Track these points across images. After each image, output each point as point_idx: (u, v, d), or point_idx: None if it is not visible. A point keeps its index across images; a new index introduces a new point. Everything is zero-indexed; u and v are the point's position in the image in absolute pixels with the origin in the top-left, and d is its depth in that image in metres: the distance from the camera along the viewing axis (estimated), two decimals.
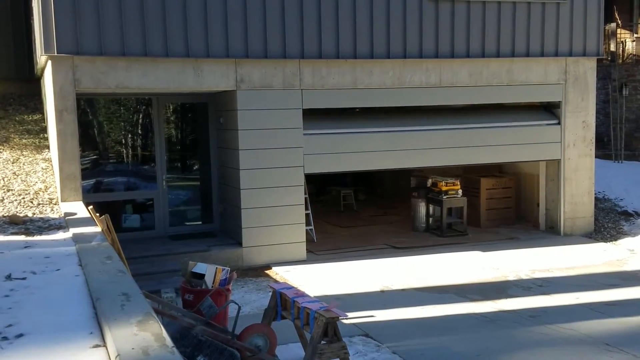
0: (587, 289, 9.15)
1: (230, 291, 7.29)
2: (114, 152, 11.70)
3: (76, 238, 6.59)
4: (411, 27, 10.99)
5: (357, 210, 15.39)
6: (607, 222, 12.75)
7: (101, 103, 11.51)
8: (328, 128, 11.00)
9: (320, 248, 11.46)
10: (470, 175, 13.34)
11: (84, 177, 10.05)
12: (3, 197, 8.82)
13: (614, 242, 11.94)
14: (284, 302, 6.63)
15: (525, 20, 11.67)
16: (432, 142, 11.50)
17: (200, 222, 11.92)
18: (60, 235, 7.04)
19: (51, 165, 10.41)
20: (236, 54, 10.14)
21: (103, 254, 5.67)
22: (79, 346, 3.43)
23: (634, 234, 12.10)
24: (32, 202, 8.74)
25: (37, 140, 11.71)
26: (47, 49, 9.15)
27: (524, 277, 9.80)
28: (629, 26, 18.76)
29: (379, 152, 11.17)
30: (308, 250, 10.96)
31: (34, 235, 7.09)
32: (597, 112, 14.29)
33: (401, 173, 13.51)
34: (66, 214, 8.11)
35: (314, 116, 10.89)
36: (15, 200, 8.74)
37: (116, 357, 3.02)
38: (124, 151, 11.71)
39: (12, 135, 11.77)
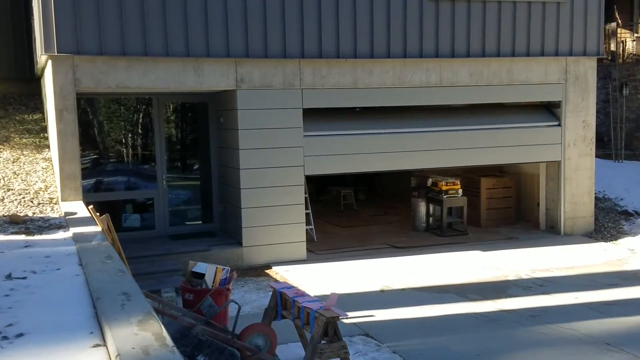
0: (587, 289, 9.15)
1: (231, 291, 7.29)
2: (114, 151, 11.70)
3: (76, 237, 6.60)
4: (411, 27, 10.99)
5: (357, 209, 15.39)
6: (608, 222, 12.76)
7: (101, 103, 11.51)
8: (328, 129, 11.00)
9: (321, 248, 11.46)
10: (470, 175, 13.34)
11: (84, 177, 10.05)
12: (3, 197, 8.83)
13: (614, 241, 11.94)
14: (284, 302, 6.63)
15: (526, 20, 11.67)
16: (433, 144, 11.50)
17: (200, 222, 11.92)
18: (60, 235, 7.05)
19: (51, 164, 10.41)
20: (236, 53, 10.13)
21: (103, 253, 5.67)
22: (79, 346, 3.43)
23: (634, 234, 12.10)
24: (32, 202, 8.75)
25: (37, 139, 11.72)
26: (47, 48, 9.15)
27: (524, 276, 9.80)
28: (629, 26, 18.76)
29: (379, 153, 11.17)
30: (308, 250, 10.96)
31: (34, 235, 7.09)
32: (598, 111, 14.28)
33: (401, 173, 13.51)
34: (66, 214, 8.12)
35: (314, 116, 10.89)
36: (16, 199, 8.74)
37: (116, 356, 3.02)
38: (124, 151, 11.71)
39: (13, 135, 11.77)
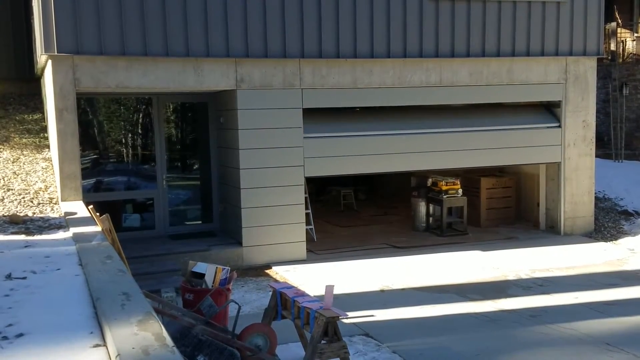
0: (587, 289, 9.15)
1: (231, 291, 7.29)
2: (114, 151, 11.70)
3: (76, 237, 6.60)
4: (411, 27, 10.99)
5: (357, 209, 15.39)
6: (607, 222, 12.76)
7: (101, 102, 11.51)
8: (328, 129, 10.99)
9: (321, 247, 11.46)
10: (470, 175, 13.34)
11: (84, 177, 10.05)
12: (3, 197, 8.82)
13: (614, 241, 11.94)
14: (284, 302, 6.63)
15: (526, 20, 11.67)
16: (433, 145, 11.50)
17: (200, 222, 11.92)
18: (60, 235, 7.05)
19: (51, 164, 10.41)
20: (236, 53, 10.13)
21: (103, 253, 5.67)
22: (79, 346, 3.43)
23: (634, 234, 12.10)
24: (32, 202, 8.74)
25: (37, 139, 11.72)
26: (47, 48, 9.15)
27: (524, 276, 9.80)
28: (629, 25, 18.76)
29: (379, 155, 11.17)
30: (308, 250, 10.96)
31: (34, 235, 7.09)
32: (598, 111, 14.28)
33: (401, 173, 13.51)
34: (66, 214, 8.12)
35: (314, 116, 10.89)
36: (16, 199, 8.74)
37: (116, 356, 3.02)
38: (124, 151, 11.71)
39: (12, 135, 11.77)
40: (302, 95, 10.61)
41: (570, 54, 12.06)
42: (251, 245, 10.49)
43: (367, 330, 7.50)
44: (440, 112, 12.07)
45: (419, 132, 11.45)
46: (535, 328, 7.63)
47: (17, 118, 12.80)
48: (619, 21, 17.96)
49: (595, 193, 12.92)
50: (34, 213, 8.24)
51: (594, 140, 12.52)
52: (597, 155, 13.17)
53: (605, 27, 14.48)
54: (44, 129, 12.23)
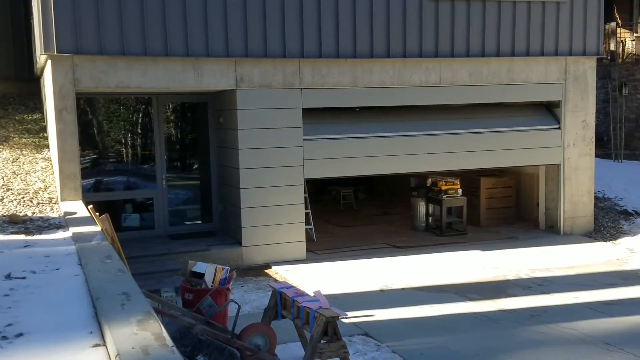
0: (587, 288, 9.15)
1: (230, 290, 7.30)
2: (114, 151, 11.70)
3: (76, 237, 6.59)
4: (411, 27, 10.99)
5: (357, 209, 15.39)
6: (607, 222, 12.76)
7: (101, 102, 11.51)
8: (328, 130, 10.99)
9: (320, 247, 11.46)
10: (470, 175, 13.34)
11: (83, 177, 10.05)
12: (3, 197, 8.82)
13: (613, 241, 11.94)
14: (283, 302, 6.63)
15: (525, 20, 11.67)
16: (433, 147, 11.50)
17: (200, 222, 11.92)
18: (60, 235, 7.04)
19: (51, 164, 10.41)
20: (236, 53, 10.13)
21: (103, 253, 5.67)
22: (79, 345, 3.43)
23: (634, 233, 12.10)
24: (31, 202, 8.74)
25: (36, 139, 11.71)
26: (46, 48, 9.15)
27: (524, 276, 9.80)
28: (629, 25, 18.76)
29: (379, 157, 11.17)
30: (308, 250, 10.96)
31: (33, 235, 7.08)
32: (597, 111, 14.29)
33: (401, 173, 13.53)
34: (66, 213, 8.11)
35: (313, 116, 10.89)
36: (15, 199, 8.74)
37: (116, 356, 3.02)
38: (124, 150, 11.71)
39: (12, 135, 11.76)
40: (302, 95, 10.61)
41: (570, 53, 12.06)
42: (251, 245, 10.48)
43: (367, 330, 7.50)
44: (440, 112, 12.07)
45: (419, 134, 11.45)
46: (534, 328, 7.63)
47: (16, 118, 12.80)
48: (619, 21, 17.98)
49: (594, 193, 12.92)
50: (34, 213, 8.24)
51: (593, 140, 12.52)
52: (596, 155, 13.17)
53: (604, 27, 14.48)
54: (44, 129, 12.23)
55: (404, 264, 10.39)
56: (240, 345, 6.06)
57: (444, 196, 12.26)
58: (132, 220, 11.38)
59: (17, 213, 8.12)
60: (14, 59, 14.33)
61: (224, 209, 11.43)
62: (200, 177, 11.97)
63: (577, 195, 12.38)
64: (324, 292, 8.73)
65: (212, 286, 7.01)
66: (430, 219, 12.75)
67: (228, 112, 10.74)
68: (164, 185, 11.45)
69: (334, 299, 8.33)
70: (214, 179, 11.60)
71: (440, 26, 11.16)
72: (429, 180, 12.65)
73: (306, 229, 11.20)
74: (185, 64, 9.92)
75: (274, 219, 10.58)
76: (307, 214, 11.36)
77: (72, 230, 7.01)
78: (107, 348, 3.35)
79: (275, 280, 9.46)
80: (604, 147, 16.49)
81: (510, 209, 13.43)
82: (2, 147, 11.05)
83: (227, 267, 7.34)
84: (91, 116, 11.51)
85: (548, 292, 8.98)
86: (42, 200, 8.87)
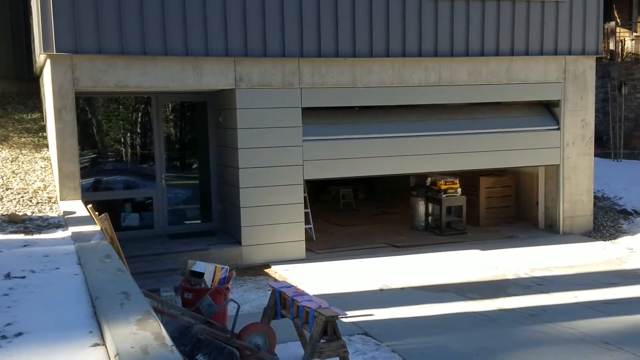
0: (586, 288, 9.16)
1: (230, 290, 7.30)
2: (113, 150, 11.70)
3: (75, 237, 6.59)
4: (410, 26, 10.98)
5: (357, 209, 15.39)
6: (606, 221, 12.76)
7: (100, 102, 11.50)
8: (327, 130, 10.98)
9: (320, 247, 11.46)
10: (469, 174, 13.34)
11: (83, 176, 10.05)
12: (2, 196, 8.82)
13: (613, 240, 11.95)
14: (283, 301, 6.63)
15: (525, 19, 11.66)
16: (432, 148, 11.50)
17: (199, 221, 11.92)
18: (59, 234, 7.04)
19: (50, 164, 10.40)
20: (235, 52, 10.13)
21: (102, 252, 5.66)
22: (78, 345, 3.43)
23: (633, 233, 12.11)
24: (31, 201, 8.74)
25: (36, 139, 11.71)
26: (46, 47, 9.14)
27: (523, 275, 9.80)
28: (628, 25, 18.77)
29: (378, 158, 11.17)
30: (307, 249, 10.96)
31: (33, 234, 7.08)
32: (596, 110, 14.30)
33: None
34: (65, 213, 8.11)
35: (313, 115, 10.88)
36: (14, 199, 8.73)
37: (115, 356, 3.02)
38: (123, 150, 11.71)
39: (11, 134, 11.76)
40: (301, 94, 10.61)
41: (569, 53, 12.06)
42: (250, 245, 10.48)
43: (366, 330, 7.50)
44: (440, 112, 12.06)
45: (419, 135, 11.45)
46: (534, 327, 7.64)
47: (16, 117, 12.79)
48: (618, 20, 17.98)
49: (594, 192, 12.93)
50: (33, 212, 8.24)
51: (592, 139, 12.52)
52: (596, 155, 13.17)
53: (604, 26, 14.48)
54: (43, 128, 12.22)
55: (404, 264, 10.39)
56: (240, 345, 6.06)
57: (444, 195, 12.26)
58: (132, 220, 11.38)
59: (17, 212, 8.12)
60: (14, 58, 14.33)
61: (223, 208, 11.43)
62: (199, 176, 11.97)
63: (576, 195, 12.39)
64: (324, 291, 8.77)
65: (211, 285, 7.01)
66: (430, 218, 12.75)
67: (227, 111, 10.74)
68: (163, 185, 11.45)
69: (334, 298, 8.34)
70: (214, 179, 11.60)
71: (440, 25, 11.16)
72: (429, 180, 12.65)
73: (306, 229, 11.19)
74: (185, 64, 9.92)
75: (274, 218, 10.58)
76: (306, 214, 11.36)
77: (72, 229, 7.00)
78: (106, 347, 3.35)
79: (275, 280, 9.46)
80: (604, 146, 16.50)
81: (509, 208, 13.43)
82: (1, 146, 11.04)
83: (226, 267, 7.34)
84: (90, 115, 11.51)
85: (547, 292, 8.98)
86: (41, 199, 8.87)
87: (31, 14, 11.50)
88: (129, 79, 9.67)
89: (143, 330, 3.32)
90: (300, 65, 10.54)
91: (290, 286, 6.97)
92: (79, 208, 8.44)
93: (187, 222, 11.89)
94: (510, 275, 9.82)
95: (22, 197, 8.85)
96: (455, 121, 11.90)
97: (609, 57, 17.21)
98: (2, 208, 8.35)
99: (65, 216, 7.92)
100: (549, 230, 12.63)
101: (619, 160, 16.21)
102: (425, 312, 8.18)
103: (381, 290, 9.14)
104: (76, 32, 9.23)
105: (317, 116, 10.99)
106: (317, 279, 9.59)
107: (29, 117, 12.91)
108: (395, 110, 11.72)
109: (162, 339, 3.18)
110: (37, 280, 4.94)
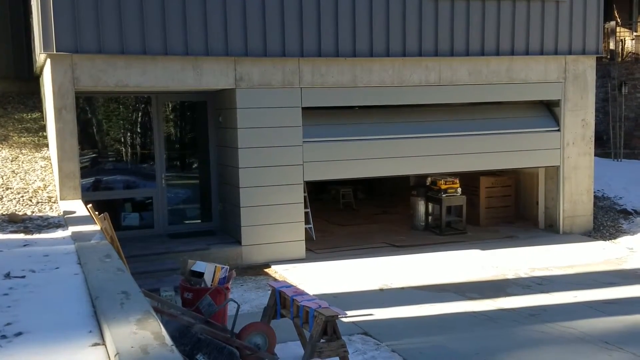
0: (586, 288, 9.16)
1: (230, 290, 7.30)
2: (113, 150, 11.69)
3: (75, 236, 6.59)
4: (410, 26, 10.98)
5: (357, 208, 15.39)
6: (606, 221, 12.76)
7: (100, 101, 11.50)
8: (327, 130, 10.98)
9: (320, 246, 11.46)
10: (469, 174, 13.33)
11: (83, 176, 10.05)
12: (2, 196, 8.82)
13: (613, 240, 11.94)
14: (283, 301, 6.63)
15: (525, 19, 11.66)
16: (433, 149, 11.50)
17: (199, 221, 11.92)
18: (59, 234, 7.04)
19: (50, 163, 10.40)
20: (235, 52, 10.13)
21: (102, 252, 5.66)
22: (78, 345, 3.43)
23: (633, 233, 12.11)
24: (31, 201, 8.74)
25: (36, 138, 11.71)
26: (46, 47, 9.14)
27: (523, 275, 9.80)
28: (629, 24, 18.76)
29: (378, 159, 11.17)
30: (307, 249, 10.96)
31: (33, 234, 7.08)
32: (597, 110, 14.29)
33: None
34: (65, 213, 8.11)
35: (313, 115, 10.88)
36: (14, 198, 8.74)
37: (115, 355, 3.02)
38: (123, 150, 11.70)
39: (11, 134, 11.76)
40: (302, 94, 10.61)
41: (570, 52, 12.06)
42: (250, 244, 10.48)
43: (366, 329, 7.50)
44: (440, 112, 12.05)
45: (418, 136, 11.44)
46: (534, 327, 7.64)
47: (16, 117, 12.79)
48: (618, 20, 17.98)
49: (594, 192, 12.92)
50: (33, 212, 8.24)
51: (593, 139, 12.52)
52: (596, 154, 13.17)
53: (604, 26, 14.48)
54: (43, 128, 12.22)
55: (404, 263, 10.39)
56: (240, 344, 6.06)
57: (444, 195, 12.26)
58: (132, 219, 11.38)
59: (17, 212, 8.12)
60: (14, 58, 14.32)
61: (223, 208, 11.43)
62: (199, 176, 11.97)
63: (576, 195, 12.39)
64: (324, 291, 8.77)
65: (211, 285, 7.01)
66: (430, 218, 12.75)
67: (227, 111, 10.74)
68: (163, 184, 11.45)
69: (334, 298, 8.34)
70: (214, 178, 11.60)
71: (440, 25, 11.15)
72: (429, 180, 12.65)
73: (306, 228, 11.19)
74: (185, 63, 9.91)
75: (274, 218, 10.58)
76: (306, 213, 11.36)
77: (72, 229, 7.00)
78: (106, 347, 3.35)
79: (275, 280, 9.46)
80: (604, 146, 16.49)
81: (509, 208, 13.43)
82: (1, 146, 11.04)
83: (226, 266, 7.34)
84: (90, 115, 11.51)
85: (547, 291, 8.98)
86: (41, 199, 8.87)
87: (31, 13, 11.50)
88: (129, 78, 9.67)
89: (143, 330, 3.33)
90: (301, 64, 10.54)
91: (290, 286, 6.97)
92: (79, 208, 8.44)
93: (187, 221, 11.89)
94: (510, 275, 9.82)
95: (22, 196, 8.85)
96: (455, 122, 11.90)
97: (609, 56, 17.21)
98: (2, 208, 8.36)
99: (65, 216, 7.92)
100: (549, 230, 12.63)
101: (619, 160, 16.21)
102: (425, 312, 8.18)
103: (381, 290, 9.14)
104: (76, 31, 9.23)
105: (317, 116, 10.98)
106: (317, 278, 9.59)
107: (29, 116, 12.91)
108: (395, 111, 11.71)
109: (162, 339, 3.18)
110: (37, 280, 4.94)
